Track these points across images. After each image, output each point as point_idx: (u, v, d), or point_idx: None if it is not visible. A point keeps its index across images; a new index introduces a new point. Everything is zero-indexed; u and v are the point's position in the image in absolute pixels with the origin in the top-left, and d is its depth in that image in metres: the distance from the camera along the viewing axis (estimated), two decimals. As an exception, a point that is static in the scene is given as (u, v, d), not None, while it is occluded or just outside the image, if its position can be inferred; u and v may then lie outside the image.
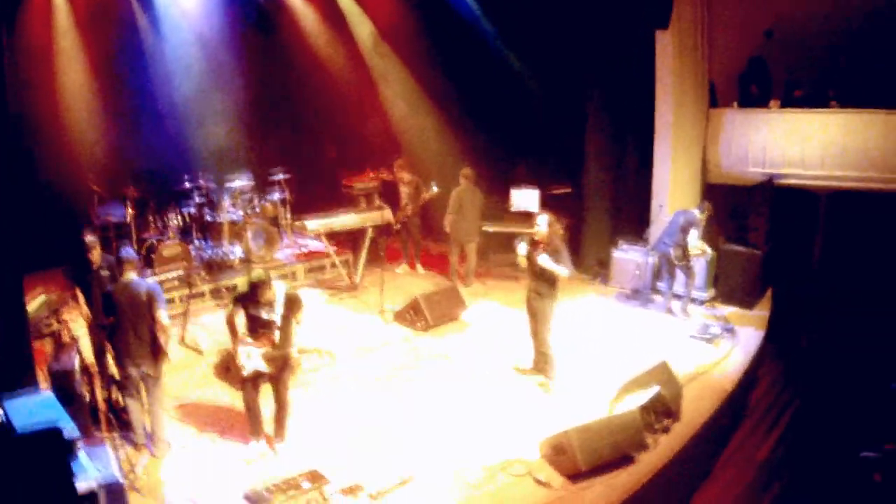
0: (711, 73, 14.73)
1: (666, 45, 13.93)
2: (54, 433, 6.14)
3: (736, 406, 10.92)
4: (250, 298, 8.62)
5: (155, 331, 8.94)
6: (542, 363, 11.03)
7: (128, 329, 8.88)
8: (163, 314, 8.93)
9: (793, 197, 14.17)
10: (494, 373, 11.41)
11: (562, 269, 10.39)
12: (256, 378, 8.87)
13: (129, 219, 14.26)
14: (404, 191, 15.87)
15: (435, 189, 15.54)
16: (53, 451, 5.89)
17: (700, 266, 13.38)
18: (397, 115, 18.62)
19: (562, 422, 9.18)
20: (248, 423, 9.19)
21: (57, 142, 15.29)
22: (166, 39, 16.64)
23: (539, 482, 8.42)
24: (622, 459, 8.66)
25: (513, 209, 15.97)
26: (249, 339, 8.71)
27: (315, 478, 8.43)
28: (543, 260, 10.40)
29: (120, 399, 9.45)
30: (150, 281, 9.30)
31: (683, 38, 13.92)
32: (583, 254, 15.90)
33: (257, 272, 8.74)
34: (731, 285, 13.80)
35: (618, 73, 14.63)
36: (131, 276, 9.09)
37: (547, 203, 15.64)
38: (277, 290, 8.67)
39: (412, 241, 16.38)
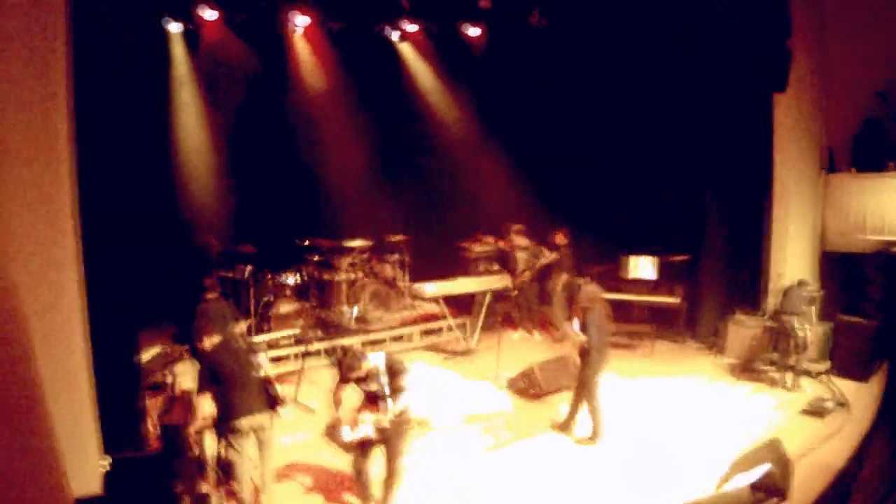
0: (827, 136, 14.37)
1: (784, 109, 13.75)
2: (160, 489, 6.17)
3: (845, 485, 10.46)
4: (348, 376, 8.59)
5: (264, 381, 8.96)
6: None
7: (236, 382, 8.84)
8: (263, 360, 9.04)
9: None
10: (605, 446, 11.14)
11: (573, 334, 11.07)
12: (366, 444, 8.80)
13: (246, 276, 14.37)
14: (521, 256, 15.85)
15: (551, 255, 15.50)
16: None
17: (815, 337, 13.02)
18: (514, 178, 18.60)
19: (671, 496, 9.04)
20: (356, 490, 9.14)
21: (177, 197, 15.74)
22: (288, 95, 17.07)
23: (647, 562, 8.20)
24: (730, 539, 8.36)
25: (629, 276, 15.79)
26: (367, 410, 8.68)
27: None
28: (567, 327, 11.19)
29: (228, 454, 9.48)
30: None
31: (801, 101, 13.73)
32: (699, 323, 15.73)
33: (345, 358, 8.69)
34: (845, 357, 13.27)
35: (736, 139, 14.41)
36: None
37: (665, 271, 15.52)
38: (376, 361, 8.62)
39: (528, 307, 16.28)
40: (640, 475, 10.10)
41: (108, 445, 7.43)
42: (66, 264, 6.56)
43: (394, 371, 8.63)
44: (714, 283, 15.44)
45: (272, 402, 8.98)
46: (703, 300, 15.70)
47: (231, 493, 9.17)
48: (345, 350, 8.71)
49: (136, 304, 8.73)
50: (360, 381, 8.61)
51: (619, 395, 12.93)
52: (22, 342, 2.89)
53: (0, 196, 5.79)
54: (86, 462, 6.84)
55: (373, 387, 8.60)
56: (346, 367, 8.45)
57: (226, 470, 9.45)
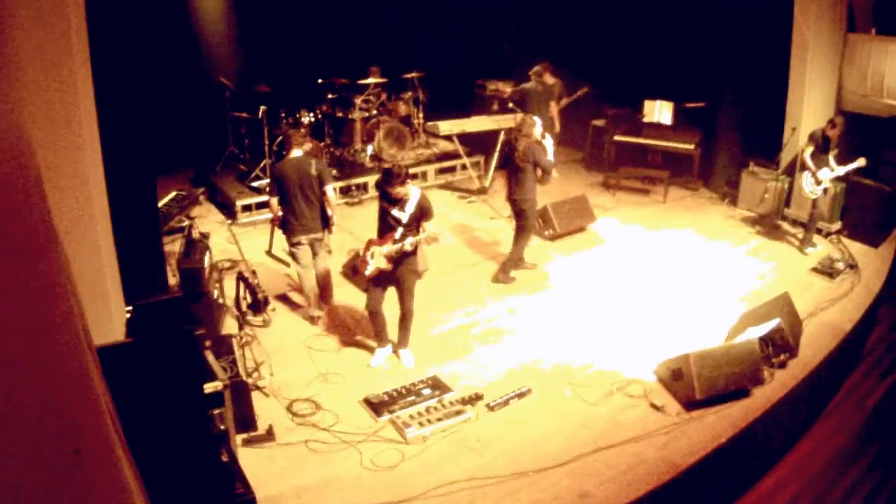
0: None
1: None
2: (182, 332, 6.28)
3: (853, 348, 10.67)
4: (384, 190, 8.68)
5: (323, 202, 9.68)
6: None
7: (298, 200, 9.57)
8: (329, 189, 9.80)
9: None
10: (615, 288, 11.38)
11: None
12: (380, 280, 8.96)
13: (260, 115, 14.22)
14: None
15: (581, 91, 15.50)
16: (180, 350, 6.00)
17: (828, 196, 12.86)
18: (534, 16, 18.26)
19: (680, 345, 9.21)
20: (372, 329, 9.35)
21: (191, 38, 15.60)
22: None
23: (654, 406, 8.46)
24: (737, 392, 8.59)
25: (646, 120, 15.69)
26: (377, 240, 8.83)
27: (436, 385, 8.60)
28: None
29: (248, 297, 9.66)
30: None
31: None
32: (713, 172, 15.76)
33: (395, 164, 8.87)
34: (858, 219, 13.21)
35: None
36: (297, 151, 9.82)
37: (681, 117, 15.42)
38: (413, 193, 8.67)
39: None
40: (651, 324, 10.30)
41: (130, 291, 7.54)
42: (81, 110, 6.53)
43: (422, 209, 8.74)
44: (730, 133, 15.31)
45: (327, 219, 9.85)
46: (718, 149, 15.62)
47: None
48: (391, 166, 8.81)
49: (152, 147, 8.74)
50: (393, 203, 8.70)
51: (632, 241, 13.08)
52: (32, 190, 2.89)
53: (12, 44, 5.74)
54: (108, 310, 6.94)
55: (397, 213, 8.67)
56: (388, 177, 8.53)
57: (244, 314, 9.67)
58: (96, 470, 3.30)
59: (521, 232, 11.43)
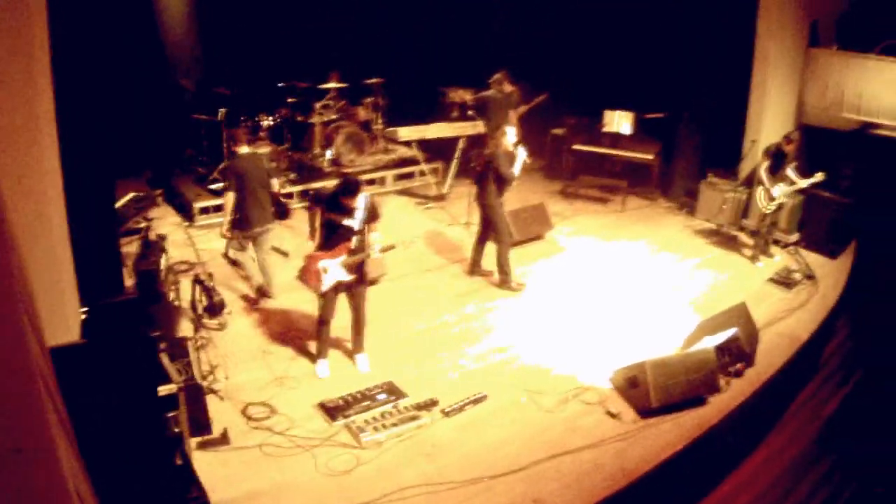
0: (814, 11, 14.01)
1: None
2: (137, 334, 6.24)
3: (809, 357, 10.70)
4: (335, 201, 8.56)
5: (275, 195, 10.46)
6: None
7: (256, 193, 9.98)
8: (274, 181, 10.42)
9: (886, 148, 13.35)
10: (571, 297, 11.40)
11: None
12: (338, 288, 8.90)
13: (220, 118, 14.11)
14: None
15: (541, 97, 15.54)
16: (135, 352, 5.97)
17: (784, 209, 12.94)
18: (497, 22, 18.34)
19: (636, 353, 9.24)
20: (318, 339, 9.29)
21: (151, 40, 15.38)
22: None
23: (610, 414, 8.48)
24: (693, 400, 8.64)
25: (606, 130, 15.75)
26: (324, 253, 8.71)
27: (391, 390, 8.59)
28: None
29: (204, 300, 9.61)
30: None
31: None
32: (672, 182, 15.79)
33: (353, 176, 8.88)
34: (816, 231, 13.32)
35: (721, 4, 14.19)
36: (245, 148, 10.17)
37: (642, 128, 15.51)
38: (359, 199, 8.60)
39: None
40: (608, 332, 10.32)
41: (86, 292, 7.48)
42: (40, 110, 6.48)
43: (372, 211, 8.67)
44: (690, 143, 15.35)
45: (281, 209, 10.61)
46: (677, 160, 15.67)
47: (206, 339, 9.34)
48: (347, 175, 8.82)
49: (111, 148, 8.68)
50: (345, 212, 8.59)
51: (590, 250, 13.16)
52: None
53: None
54: (63, 310, 6.88)
55: (348, 222, 8.60)
56: (349, 188, 8.42)
57: (200, 317, 9.61)
58: (36, 470, 3.27)
59: (497, 241, 11.54)
